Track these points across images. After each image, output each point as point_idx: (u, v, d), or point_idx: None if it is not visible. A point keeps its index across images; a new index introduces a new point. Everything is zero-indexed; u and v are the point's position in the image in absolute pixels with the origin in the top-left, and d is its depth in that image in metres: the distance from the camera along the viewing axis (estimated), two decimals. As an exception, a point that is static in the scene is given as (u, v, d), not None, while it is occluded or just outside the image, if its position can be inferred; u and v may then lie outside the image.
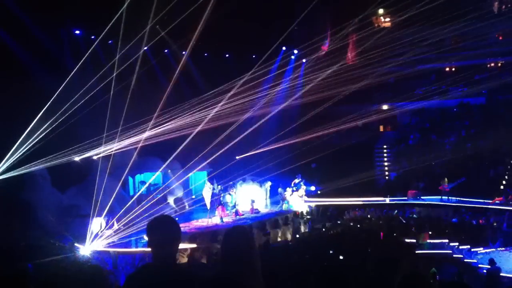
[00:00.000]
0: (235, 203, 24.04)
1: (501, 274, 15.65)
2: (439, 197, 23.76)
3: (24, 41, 19.93)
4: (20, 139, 17.36)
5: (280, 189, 25.51)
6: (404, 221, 22.72)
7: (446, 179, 23.68)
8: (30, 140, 17.46)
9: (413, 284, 3.76)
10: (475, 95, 33.27)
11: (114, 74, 18.63)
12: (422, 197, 25.08)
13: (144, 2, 17.49)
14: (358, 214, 24.96)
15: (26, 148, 17.47)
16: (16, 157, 17.45)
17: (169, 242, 3.79)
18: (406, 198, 25.41)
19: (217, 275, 3.58)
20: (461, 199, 23.44)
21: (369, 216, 24.37)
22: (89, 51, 19.23)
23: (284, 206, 24.91)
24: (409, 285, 3.74)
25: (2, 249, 14.10)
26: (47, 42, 21.06)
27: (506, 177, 25.27)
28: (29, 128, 17.40)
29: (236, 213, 23.34)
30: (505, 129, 27.22)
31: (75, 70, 18.23)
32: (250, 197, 24.31)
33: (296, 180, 25.65)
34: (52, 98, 17.43)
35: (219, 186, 22.79)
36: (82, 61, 19.04)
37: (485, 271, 15.57)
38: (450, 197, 23.74)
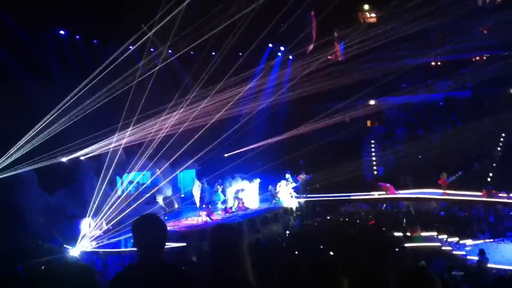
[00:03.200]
0: (223, 200, 24.06)
1: (488, 264, 15.88)
2: (441, 191, 23.76)
3: (7, 43, 19.71)
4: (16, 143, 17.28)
5: (270, 186, 25.55)
6: (393, 215, 22.87)
7: (445, 173, 23.73)
8: (18, 144, 17.36)
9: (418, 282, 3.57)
10: (461, 89, 33.50)
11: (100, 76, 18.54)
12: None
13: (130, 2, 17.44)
14: (347, 209, 25.06)
15: (14, 151, 17.36)
16: (3, 161, 17.34)
17: (154, 241, 3.76)
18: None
19: (207, 272, 3.57)
20: (449, 192, 23.55)
21: (358, 211, 24.48)
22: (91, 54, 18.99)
23: (274, 202, 25.00)
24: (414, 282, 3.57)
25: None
26: (31, 43, 20.83)
27: (491, 171, 25.48)
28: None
29: (226, 210, 23.36)
30: (491, 122, 27.48)
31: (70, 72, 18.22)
32: (240, 193, 24.27)
33: (287, 176, 25.72)
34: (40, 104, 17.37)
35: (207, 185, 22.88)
36: (67, 63, 18.97)
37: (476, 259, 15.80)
38: (450, 191, 23.66)
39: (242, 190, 24.18)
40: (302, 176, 26.12)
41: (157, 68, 20.17)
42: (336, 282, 3.37)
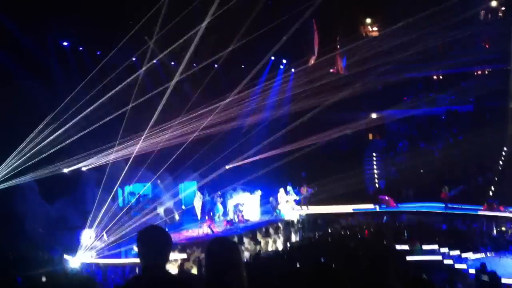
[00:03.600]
0: (223, 212, 24.00)
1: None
2: (443, 204, 23.73)
3: (11, 50, 19.80)
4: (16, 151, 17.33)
5: (271, 198, 25.49)
6: (394, 228, 22.79)
7: (446, 187, 23.70)
8: (19, 150, 17.42)
9: None
10: (463, 103, 33.53)
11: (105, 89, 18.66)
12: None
13: (132, 13, 17.53)
14: (348, 222, 24.99)
15: (15, 160, 17.41)
16: (6, 171, 17.41)
17: (158, 253, 3.73)
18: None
19: (205, 285, 3.57)
20: (452, 206, 23.53)
21: (360, 224, 24.42)
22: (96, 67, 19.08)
23: (275, 215, 24.94)
24: None
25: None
26: (35, 51, 20.91)
27: (493, 185, 25.44)
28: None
29: (228, 222, 23.27)
30: (493, 136, 27.46)
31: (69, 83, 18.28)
32: (240, 206, 24.21)
33: (288, 188, 25.66)
34: (46, 116, 17.45)
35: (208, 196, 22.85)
36: (71, 73, 19.06)
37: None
38: (452, 205, 23.65)
39: (242, 204, 24.08)
40: (304, 189, 26.08)
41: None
42: (337, 282, 3.37)
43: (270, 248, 22.07)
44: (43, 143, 17.83)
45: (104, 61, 19.39)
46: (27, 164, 17.74)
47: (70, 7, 19.55)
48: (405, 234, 21.55)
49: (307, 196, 26.18)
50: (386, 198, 25.47)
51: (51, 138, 18.01)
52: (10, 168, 17.55)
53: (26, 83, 19.80)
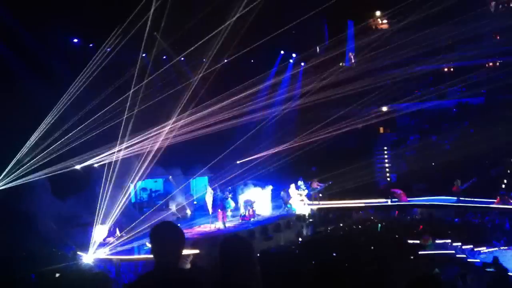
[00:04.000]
0: (235, 207, 23.99)
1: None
2: (455, 198, 23.62)
3: (19, 50, 19.92)
4: (23, 149, 17.46)
5: (282, 193, 25.46)
6: (405, 222, 22.73)
7: (459, 180, 23.58)
8: (32, 152, 17.56)
9: None
10: (474, 95, 33.28)
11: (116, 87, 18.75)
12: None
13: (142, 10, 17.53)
14: (360, 216, 24.95)
15: (28, 159, 17.56)
16: (18, 169, 17.55)
17: (172, 249, 3.75)
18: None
19: (218, 281, 3.59)
20: (464, 199, 23.39)
21: (372, 218, 24.36)
22: (102, 62, 19.15)
23: (286, 209, 24.90)
24: None
25: (4, 259, 14.10)
26: (43, 51, 21.00)
27: (506, 178, 25.27)
28: (32, 139, 17.50)
29: (243, 217, 23.22)
30: (505, 129, 27.23)
31: (79, 80, 18.33)
32: (250, 203, 24.16)
33: (299, 183, 25.58)
34: (52, 111, 17.55)
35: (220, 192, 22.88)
36: (77, 70, 19.14)
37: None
38: (464, 198, 23.48)
39: (254, 202, 23.95)
40: (315, 184, 26.04)
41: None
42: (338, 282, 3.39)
43: (281, 243, 22.07)
44: (51, 141, 17.96)
45: (110, 57, 19.48)
46: (38, 163, 17.87)
47: (73, 4, 19.62)
48: (417, 229, 21.47)
49: (320, 190, 26.13)
50: (398, 192, 25.37)
51: (62, 136, 18.13)
52: (20, 166, 17.70)
53: (29, 81, 19.93)
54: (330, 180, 25.88)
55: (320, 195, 26.21)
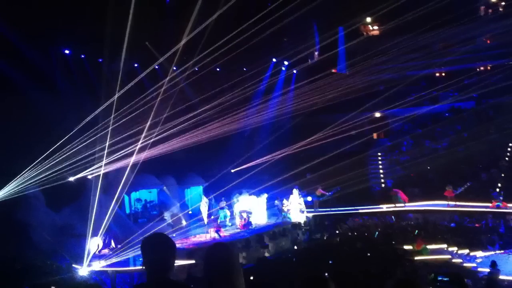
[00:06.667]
0: (231, 216, 23.89)
1: (499, 276, 15.70)
2: (446, 202, 23.66)
3: (14, 61, 19.86)
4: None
5: (276, 201, 25.40)
6: (401, 228, 22.74)
7: (451, 185, 23.62)
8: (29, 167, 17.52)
9: None
10: (466, 99, 33.41)
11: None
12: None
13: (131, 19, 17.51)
14: (355, 222, 24.93)
15: (27, 174, 17.52)
16: (17, 183, 17.49)
17: (161, 261, 3.73)
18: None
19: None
20: (458, 203, 23.44)
21: (368, 224, 24.36)
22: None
23: (281, 218, 24.81)
24: None
25: (-1, 272, 13.97)
26: (38, 61, 20.96)
27: (499, 181, 25.32)
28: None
29: (245, 226, 23.10)
30: (497, 132, 27.38)
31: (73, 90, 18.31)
32: (246, 210, 24.06)
33: (295, 191, 25.42)
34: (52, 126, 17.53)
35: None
36: (73, 81, 19.10)
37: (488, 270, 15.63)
38: (456, 203, 23.56)
39: (250, 213, 23.83)
40: (318, 192, 26.05)
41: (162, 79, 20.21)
42: None
43: (277, 251, 22.02)
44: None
45: (106, 69, 19.46)
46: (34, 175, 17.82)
47: (72, 17, 19.62)
48: (413, 234, 21.51)
49: (329, 197, 26.21)
50: (398, 192, 25.40)
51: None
52: (25, 180, 17.66)
53: (31, 93, 19.88)
54: (337, 186, 25.93)
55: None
